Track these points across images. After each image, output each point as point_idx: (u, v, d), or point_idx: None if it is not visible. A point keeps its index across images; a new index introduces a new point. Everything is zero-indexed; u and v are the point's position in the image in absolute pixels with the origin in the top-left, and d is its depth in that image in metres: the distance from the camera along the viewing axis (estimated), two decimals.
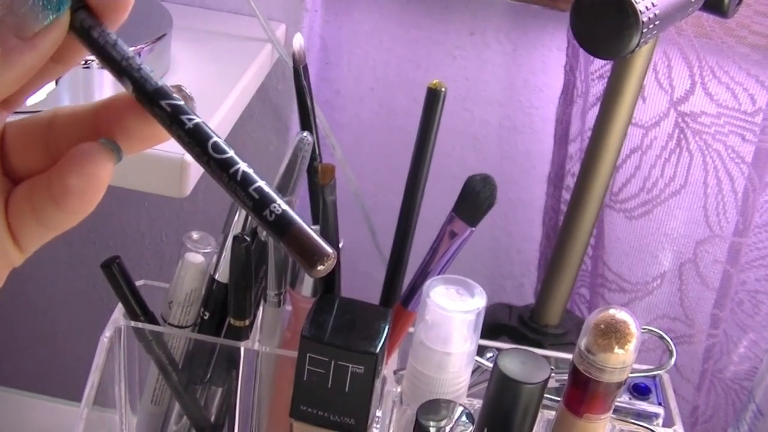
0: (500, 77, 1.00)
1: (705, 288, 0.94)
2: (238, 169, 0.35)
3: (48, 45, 0.36)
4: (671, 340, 0.96)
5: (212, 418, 0.74)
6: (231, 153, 0.35)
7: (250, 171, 0.35)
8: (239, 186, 0.35)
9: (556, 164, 0.95)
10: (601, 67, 0.89)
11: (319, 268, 0.34)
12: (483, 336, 0.80)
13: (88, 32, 0.36)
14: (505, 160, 1.04)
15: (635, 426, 0.70)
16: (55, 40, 0.36)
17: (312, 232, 0.34)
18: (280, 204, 0.35)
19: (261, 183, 0.35)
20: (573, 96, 0.92)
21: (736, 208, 0.90)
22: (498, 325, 0.88)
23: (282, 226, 0.34)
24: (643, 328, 0.67)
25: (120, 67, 0.36)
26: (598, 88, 0.89)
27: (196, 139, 0.35)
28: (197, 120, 0.36)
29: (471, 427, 0.59)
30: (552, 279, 0.85)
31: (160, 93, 0.36)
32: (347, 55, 1.01)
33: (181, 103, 0.36)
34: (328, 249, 0.34)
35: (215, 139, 0.36)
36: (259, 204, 0.35)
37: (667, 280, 0.94)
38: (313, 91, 1.01)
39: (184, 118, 0.36)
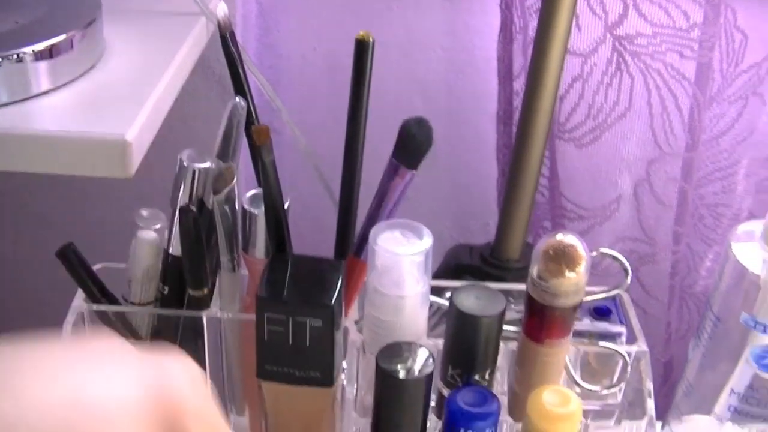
0: (439, 22, 1.00)
1: (662, 206, 0.95)
2: None
3: None
4: (634, 260, 0.97)
5: None
6: None
7: None
8: None
9: (503, 102, 0.96)
10: (537, 1, 0.89)
11: None
12: (446, 278, 0.81)
13: None
14: (454, 103, 1.04)
15: (598, 346, 0.71)
16: None
17: None
18: None
19: None
20: (512, 33, 0.92)
21: (682, 125, 0.91)
22: (460, 265, 0.89)
23: None
24: (594, 250, 0.68)
25: None
26: (536, 22, 0.90)
27: None
28: None
29: (432, 366, 0.60)
30: (508, 213, 0.86)
31: None
32: (285, 17, 1.01)
33: None
34: None
35: None
36: None
37: (623, 202, 0.95)
38: (256, 57, 1.02)
39: None
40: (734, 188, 0.99)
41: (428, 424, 0.64)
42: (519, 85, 0.94)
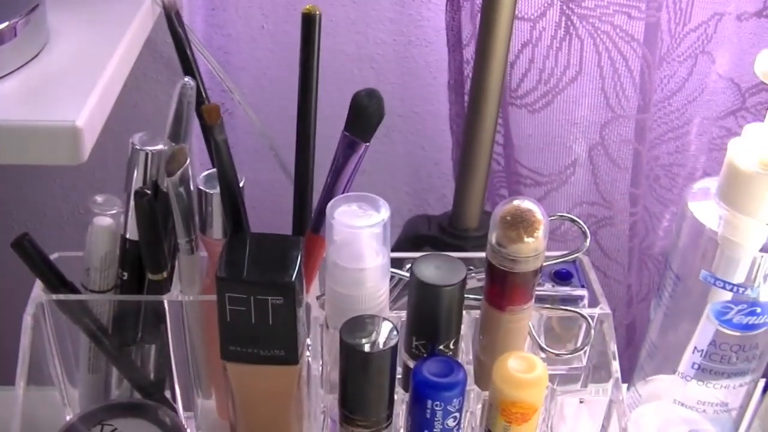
0: None
1: (617, 168, 0.95)
2: None
3: None
4: (592, 224, 0.98)
5: (151, 376, 0.75)
6: None
7: None
8: None
9: (453, 71, 0.96)
10: None
11: None
12: (406, 249, 0.81)
13: None
14: (405, 75, 1.04)
15: (561, 311, 0.71)
16: None
17: None
18: None
19: None
20: (459, 1, 0.92)
21: (633, 86, 0.91)
22: (419, 236, 0.89)
23: None
24: (553, 215, 0.68)
25: None
26: None
27: None
28: None
29: (396, 338, 0.60)
30: (464, 181, 0.86)
31: None
32: None
33: None
34: None
35: None
36: None
37: (579, 166, 0.95)
38: (205, 38, 1.01)
39: None
40: (688, 148, 1.00)
41: (395, 397, 0.63)
42: (469, 53, 0.94)
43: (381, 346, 0.59)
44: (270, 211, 0.96)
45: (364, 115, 0.63)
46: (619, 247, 1.00)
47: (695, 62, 0.94)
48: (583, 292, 0.73)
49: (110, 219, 0.69)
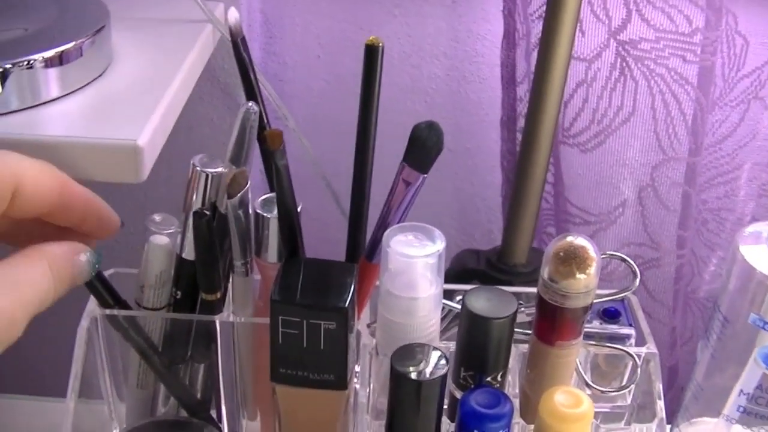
0: (443, 30, 1.01)
1: (666, 210, 0.95)
2: None
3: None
4: (639, 265, 0.98)
5: (198, 395, 0.75)
6: None
7: None
8: None
9: (506, 108, 0.97)
10: (539, 7, 0.90)
11: None
12: (454, 283, 0.82)
13: None
14: (457, 110, 1.05)
15: (608, 348, 0.72)
16: None
17: None
18: None
19: None
20: (515, 39, 0.93)
21: (686, 129, 0.91)
22: (467, 270, 0.89)
23: None
24: (604, 254, 0.69)
25: None
26: (539, 28, 0.90)
27: None
28: None
29: (446, 367, 0.60)
30: (514, 217, 0.87)
31: None
32: (290, 26, 1.02)
33: None
34: None
35: None
36: None
37: (628, 207, 0.96)
38: (261, 65, 1.02)
39: None
40: (737, 192, 1.00)
41: (442, 427, 0.64)
42: (522, 91, 0.95)
43: (430, 375, 0.60)
44: (318, 240, 0.97)
45: (424, 147, 0.64)
46: (664, 289, 1.00)
47: (748, 107, 0.94)
48: (631, 330, 0.74)
49: (167, 238, 0.71)
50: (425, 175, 0.65)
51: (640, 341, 0.73)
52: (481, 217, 1.11)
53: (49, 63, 0.71)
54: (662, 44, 0.87)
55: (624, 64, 0.88)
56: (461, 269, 0.90)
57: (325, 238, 1.07)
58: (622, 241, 0.98)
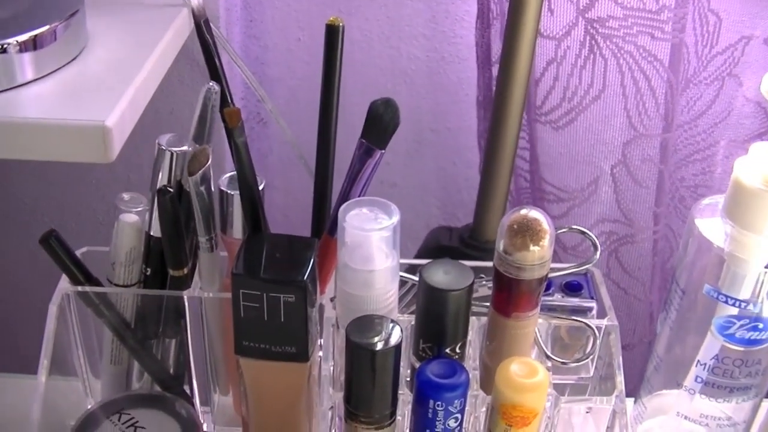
0: (421, 11, 1.02)
1: (639, 187, 0.96)
2: None
3: None
4: (614, 242, 0.99)
5: (171, 370, 0.77)
6: None
7: None
8: None
9: (482, 88, 0.98)
10: None
11: None
12: (426, 258, 0.83)
13: None
14: (438, 91, 1.06)
15: (569, 321, 0.73)
16: None
17: None
18: None
19: None
20: (489, 19, 0.94)
21: (656, 106, 0.92)
22: (440, 247, 0.91)
23: None
24: (563, 227, 0.70)
25: None
26: None
27: None
28: None
29: (400, 337, 0.61)
30: (486, 195, 0.88)
31: None
32: (270, 9, 1.03)
33: None
34: None
35: None
36: None
37: (601, 184, 0.97)
38: (242, 48, 1.04)
39: None
40: (714, 169, 1.01)
41: (400, 397, 0.65)
42: (497, 70, 0.96)
43: (385, 345, 0.61)
44: (301, 220, 0.98)
45: (380, 123, 0.65)
46: (640, 265, 1.01)
47: (722, 85, 0.95)
48: (592, 303, 0.75)
49: (136, 216, 0.72)
50: (383, 151, 0.67)
51: (602, 314, 0.74)
52: (463, 196, 1.13)
53: (23, 47, 0.73)
54: (630, 22, 0.88)
55: (593, 42, 0.89)
56: (434, 246, 0.92)
57: (307, 217, 1.08)
58: (596, 217, 0.99)
